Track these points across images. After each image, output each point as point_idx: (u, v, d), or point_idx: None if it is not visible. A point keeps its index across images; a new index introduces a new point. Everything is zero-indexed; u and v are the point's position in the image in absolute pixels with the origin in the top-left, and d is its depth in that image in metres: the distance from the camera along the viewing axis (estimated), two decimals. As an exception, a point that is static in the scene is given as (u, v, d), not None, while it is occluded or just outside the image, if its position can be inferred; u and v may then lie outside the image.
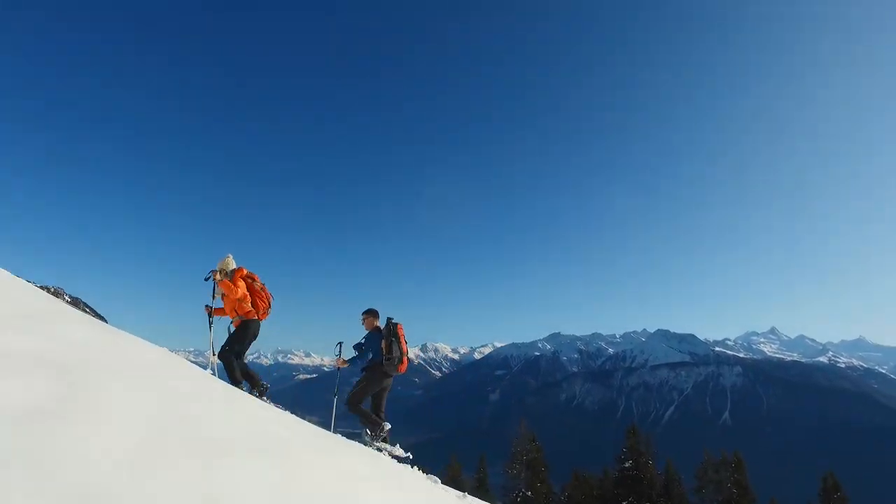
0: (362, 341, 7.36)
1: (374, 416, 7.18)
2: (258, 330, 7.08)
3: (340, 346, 7.84)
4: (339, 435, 6.26)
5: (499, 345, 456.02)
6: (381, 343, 7.17)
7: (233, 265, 7.06)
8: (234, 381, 6.61)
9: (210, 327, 7.16)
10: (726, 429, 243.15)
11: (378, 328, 7.37)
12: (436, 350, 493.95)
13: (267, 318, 7.24)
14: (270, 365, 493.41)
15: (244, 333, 6.88)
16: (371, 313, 7.53)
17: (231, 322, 7.03)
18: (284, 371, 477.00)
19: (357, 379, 7.37)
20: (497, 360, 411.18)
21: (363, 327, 7.53)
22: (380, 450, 6.94)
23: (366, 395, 7.22)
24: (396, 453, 7.04)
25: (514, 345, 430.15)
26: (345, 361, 7.55)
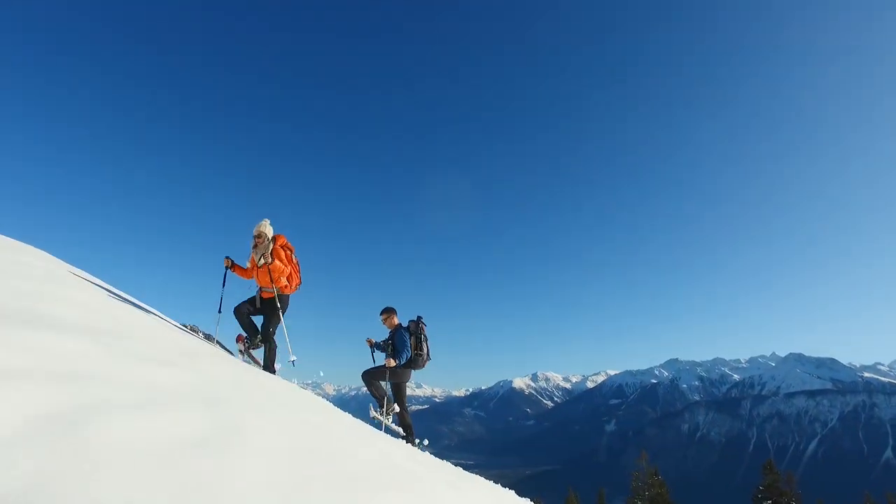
0: (391, 340, 7.52)
1: (386, 393, 7.42)
2: (288, 304, 6.60)
3: (373, 349, 7.81)
4: (456, 466, 6.15)
5: (612, 372, 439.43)
6: (410, 340, 7.47)
7: (271, 231, 6.45)
8: (272, 368, 6.38)
9: (224, 284, 6.56)
10: (890, 469, 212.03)
11: (401, 326, 7.59)
12: (546, 379, 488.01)
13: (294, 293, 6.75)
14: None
15: (281, 311, 6.41)
16: (393, 311, 7.67)
17: (259, 291, 6.47)
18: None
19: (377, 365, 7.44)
20: (611, 389, 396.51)
21: (384, 326, 7.69)
22: (398, 436, 7.28)
23: (384, 378, 7.32)
24: (398, 429, 7.41)
25: (628, 372, 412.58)
26: (394, 362, 7.52)
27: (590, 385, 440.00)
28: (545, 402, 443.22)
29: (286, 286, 6.41)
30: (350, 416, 5.71)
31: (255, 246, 6.34)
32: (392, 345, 7.39)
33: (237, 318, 6.44)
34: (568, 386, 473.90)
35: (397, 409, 7.43)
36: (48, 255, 7.26)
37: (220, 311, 6.58)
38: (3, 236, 7.34)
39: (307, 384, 7.59)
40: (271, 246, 6.29)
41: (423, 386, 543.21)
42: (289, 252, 6.46)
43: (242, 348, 6.63)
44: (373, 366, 7.42)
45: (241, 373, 4.56)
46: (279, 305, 6.35)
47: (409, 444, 6.85)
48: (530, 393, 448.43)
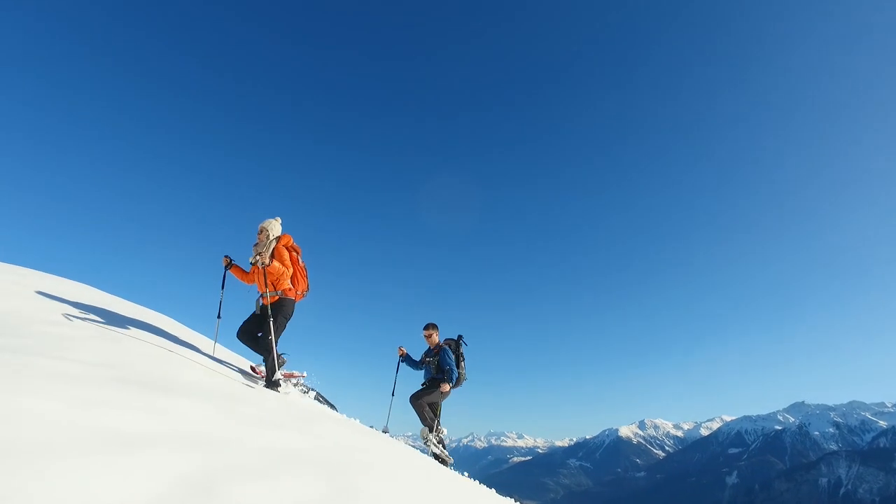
0: (434, 359, 7.30)
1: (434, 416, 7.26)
2: (293, 312, 5.81)
3: (402, 360, 7.72)
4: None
5: (728, 418, 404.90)
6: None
7: (278, 230, 5.80)
8: (274, 383, 5.46)
9: (223, 286, 5.87)
10: None
11: (445, 344, 7.43)
12: (655, 427, 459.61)
13: (299, 300, 5.96)
14: (484, 448, 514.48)
15: (285, 316, 5.68)
16: (437, 328, 7.52)
17: (260, 297, 5.68)
18: (498, 454, 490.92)
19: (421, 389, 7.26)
20: (728, 437, 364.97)
21: (425, 342, 7.53)
22: (437, 456, 7.17)
23: (430, 400, 7.21)
24: (447, 458, 7.31)
25: (746, 418, 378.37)
26: (405, 352, 7.67)
27: (704, 432, 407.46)
28: (655, 451, 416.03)
29: (290, 289, 5.65)
30: (460, 473, 5.78)
31: (256, 244, 5.68)
32: (439, 366, 7.17)
33: (244, 342, 5.63)
34: (679, 434, 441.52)
35: (445, 431, 7.33)
36: (167, 318, 7.74)
37: (219, 317, 5.86)
38: (131, 303, 7.63)
39: (408, 436, 6.50)
40: (272, 245, 5.60)
41: (524, 436, 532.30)
42: (295, 254, 5.81)
43: (279, 377, 5.45)
44: (420, 388, 7.26)
45: (351, 433, 4.67)
46: (281, 311, 5.56)
47: (432, 443, 7.02)
48: (639, 442, 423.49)
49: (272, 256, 5.62)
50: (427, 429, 7.24)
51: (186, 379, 3.98)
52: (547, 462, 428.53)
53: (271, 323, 5.48)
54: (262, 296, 5.69)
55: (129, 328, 5.38)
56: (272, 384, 5.44)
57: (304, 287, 5.98)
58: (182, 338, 6.09)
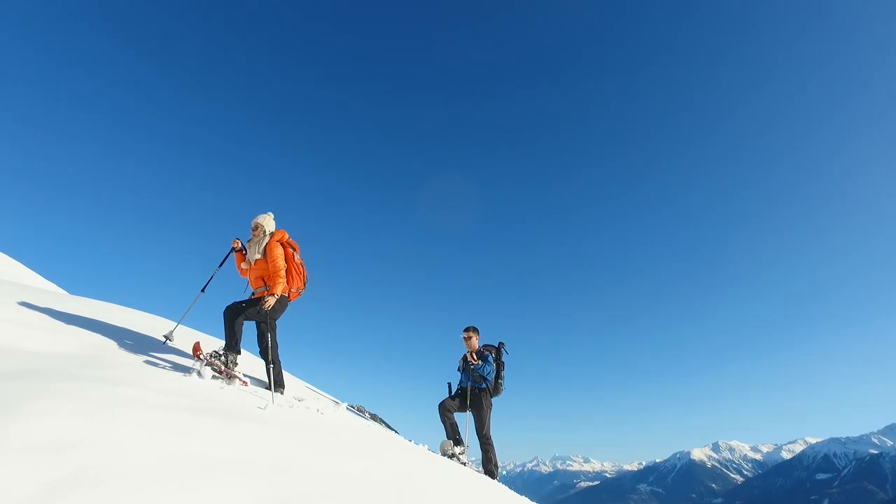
0: (478, 365, 6.85)
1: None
2: (285, 309, 5.58)
3: (451, 387, 7.16)
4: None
5: (812, 440, 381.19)
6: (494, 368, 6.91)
7: (272, 226, 5.65)
8: (281, 386, 5.42)
9: (221, 264, 5.70)
10: None
11: (486, 350, 7.07)
12: (731, 449, 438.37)
13: (295, 300, 5.75)
14: (550, 472, 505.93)
15: (274, 315, 5.43)
16: (478, 332, 7.14)
17: (252, 292, 5.52)
18: (565, 479, 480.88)
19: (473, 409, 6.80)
20: (815, 460, 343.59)
21: (464, 345, 7.09)
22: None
23: (481, 421, 6.75)
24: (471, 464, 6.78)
25: (835, 440, 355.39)
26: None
27: (786, 455, 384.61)
28: (733, 475, 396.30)
29: (282, 287, 5.39)
30: (518, 497, 5.60)
31: (251, 240, 5.57)
32: (479, 373, 6.75)
33: (226, 319, 5.25)
34: (758, 457, 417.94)
35: (463, 447, 6.74)
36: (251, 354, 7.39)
37: (203, 290, 5.68)
38: (196, 330, 7.62)
39: (471, 461, 6.47)
40: (265, 241, 5.46)
41: (591, 460, 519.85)
42: (290, 251, 5.61)
43: (211, 362, 4.93)
44: (449, 397, 6.85)
45: (422, 462, 4.69)
46: (275, 310, 5.34)
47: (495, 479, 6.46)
48: (713, 465, 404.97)
49: (264, 252, 5.44)
50: (450, 442, 6.67)
51: (255, 406, 4.18)
52: (616, 487, 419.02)
53: (266, 326, 5.32)
54: (254, 292, 5.49)
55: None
56: (277, 386, 5.24)
57: (300, 285, 5.69)
58: (247, 367, 6.19)
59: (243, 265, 5.71)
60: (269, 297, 5.27)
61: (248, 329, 5.48)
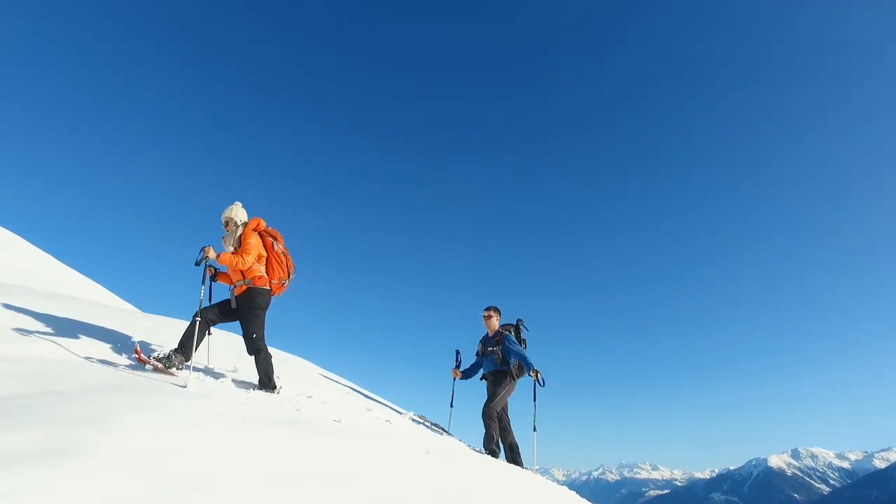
0: (497, 347, 6.48)
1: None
2: (269, 302, 5.20)
3: (458, 354, 6.90)
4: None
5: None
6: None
7: (243, 215, 5.28)
8: (271, 384, 4.97)
9: (202, 287, 5.04)
10: None
11: (506, 329, 6.72)
12: (813, 456, 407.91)
13: (282, 292, 5.39)
14: (617, 481, 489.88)
15: (258, 308, 5.04)
16: (499, 311, 6.81)
17: (232, 288, 5.12)
18: (633, 487, 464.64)
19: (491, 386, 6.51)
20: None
21: (485, 326, 6.77)
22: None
23: (501, 403, 6.42)
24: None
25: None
26: (460, 374, 6.80)
27: (879, 464, 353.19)
28: (817, 485, 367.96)
29: (260, 278, 5.07)
30: None
31: (224, 236, 5.22)
32: (503, 356, 6.39)
33: (190, 324, 4.84)
34: (846, 465, 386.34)
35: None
36: (298, 357, 8.29)
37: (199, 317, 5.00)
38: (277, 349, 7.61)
39: (536, 469, 6.12)
40: (239, 232, 5.12)
41: (659, 468, 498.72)
42: (269, 240, 5.25)
43: (151, 363, 4.59)
44: (492, 397, 6.34)
45: (493, 470, 4.75)
46: (251, 303, 4.99)
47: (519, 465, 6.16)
48: (794, 473, 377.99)
49: (238, 243, 5.06)
50: (496, 441, 6.26)
51: (325, 418, 4.30)
52: (688, 496, 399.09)
53: (248, 317, 4.94)
54: (234, 286, 5.08)
55: (277, 372, 5.41)
56: (267, 386, 4.89)
57: (282, 275, 5.28)
58: (315, 379, 6.59)
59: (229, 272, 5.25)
60: (211, 249, 4.82)
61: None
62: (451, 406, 7.19)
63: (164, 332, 6.21)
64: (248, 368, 5.58)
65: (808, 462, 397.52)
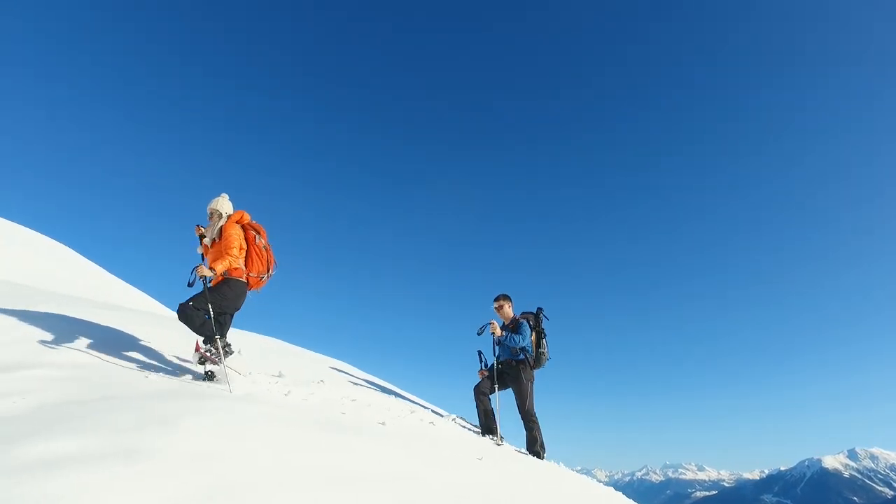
0: (504, 336, 6.24)
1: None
2: (243, 295, 5.08)
3: (482, 355, 6.58)
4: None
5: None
6: (532, 336, 6.35)
7: (228, 208, 5.23)
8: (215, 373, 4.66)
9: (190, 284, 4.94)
10: None
11: (522, 318, 6.46)
12: (873, 457, 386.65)
13: (258, 288, 5.28)
14: (661, 482, 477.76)
15: (222, 293, 4.89)
16: (510, 299, 6.56)
17: (209, 280, 4.93)
18: (678, 488, 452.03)
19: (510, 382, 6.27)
20: None
21: (498, 315, 6.51)
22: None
23: (522, 397, 6.16)
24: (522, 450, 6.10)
25: None
26: (487, 372, 6.38)
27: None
28: (879, 488, 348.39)
29: (237, 269, 4.96)
30: None
31: (208, 227, 5.18)
32: (511, 345, 6.21)
33: (185, 321, 4.72)
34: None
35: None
36: (341, 362, 8.42)
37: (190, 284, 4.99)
38: (304, 349, 8.50)
39: (577, 469, 6.21)
40: (221, 223, 5.08)
41: (705, 468, 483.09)
42: (252, 233, 5.18)
43: (207, 358, 4.76)
44: (485, 375, 6.23)
45: (533, 467, 4.83)
46: (227, 292, 4.88)
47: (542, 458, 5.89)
48: (851, 475, 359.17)
49: (219, 234, 5.05)
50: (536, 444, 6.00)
51: (371, 421, 4.41)
52: (737, 497, 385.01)
53: (206, 292, 4.76)
54: (210, 279, 4.93)
55: (321, 376, 6.06)
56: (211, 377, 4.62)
57: (261, 269, 5.18)
58: (358, 382, 6.72)
59: (204, 253, 5.19)
60: (203, 268, 4.73)
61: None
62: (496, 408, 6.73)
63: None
64: (292, 373, 5.70)
65: (868, 463, 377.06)
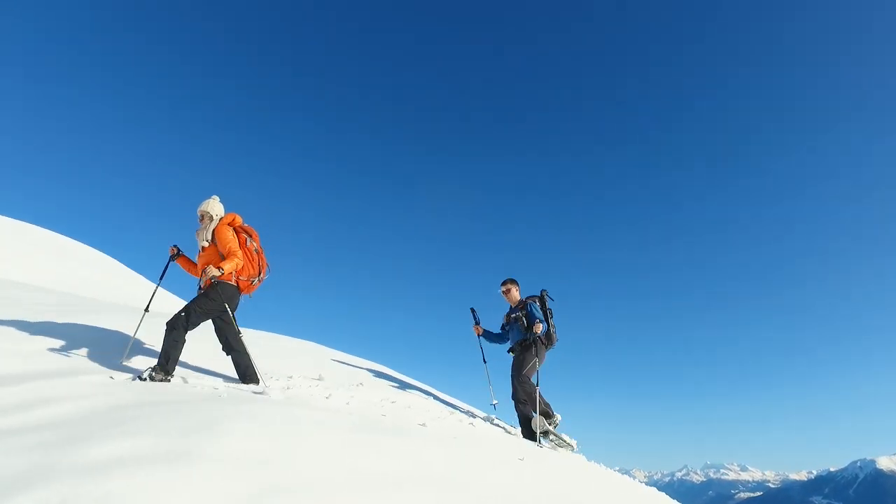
0: (521, 312, 6.29)
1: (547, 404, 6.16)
2: (235, 300, 4.98)
3: (474, 312, 6.67)
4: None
5: None
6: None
7: (219, 210, 5.14)
8: (165, 368, 4.41)
9: (162, 276, 5.16)
10: None
11: (529, 300, 6.49)
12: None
13: (250, 292, 5.19)
14: (703, 482, 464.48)
15: (211, 298, 4.76)
16: (516, 283, 6.66)
17: (200, 282, 4.96)
18: (720, 489, 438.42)
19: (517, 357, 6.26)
20: None
21: (505, 299, 6.60)
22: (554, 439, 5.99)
23: (529, 372, 6.11)
24: (570, 442, 6.04)
25: None
26: (482, 330, 6.64)
27: None
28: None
29: (227, 273, 4.83)
30: None
31: (199, 230, 5.09)
32: (524, 320, 6.19)
33: (166, 349, 4.48)
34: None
35: (559, 417, 6.08)
36: (382, 366, 8.42)
37: (147, 310, 5.12)
38: (346, 353, 8.54)
39: (615, 470, 5.87)
40: (213, 226, 5.00)
41: (748, 468, 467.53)
42: (243, 236, 5.10)
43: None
44: (518, 370, 6.07)
45: (577, 468, 4.81)
46: (215, 296, 4.74)
47: (552, 434, 5.82)
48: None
49: (212, 238, 4.96)
50: (541, 417, 5.84)
51: (411, 422, 4.43)
52: (784, 499, 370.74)
53: (195, 298, 4.71)
54: (201, 280, 4.93)
55: (360, 379, 6.18)
56: (159, 367, 4.37)
57: (251, 272, 5.08)
58: (396, 384, 6.72)
59: (196, 262, 5.14)
60: (212, 268, 4.68)
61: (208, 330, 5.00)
62: (485, 362, 6.81)
63: (250, 344, 6.61)
64: (330, 376, 5.79)
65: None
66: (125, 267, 19.16)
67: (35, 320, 5.28)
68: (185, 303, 4.78)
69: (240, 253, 4.88)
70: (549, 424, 5.91)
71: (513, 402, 6.13)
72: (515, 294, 6.53)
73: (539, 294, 6.53)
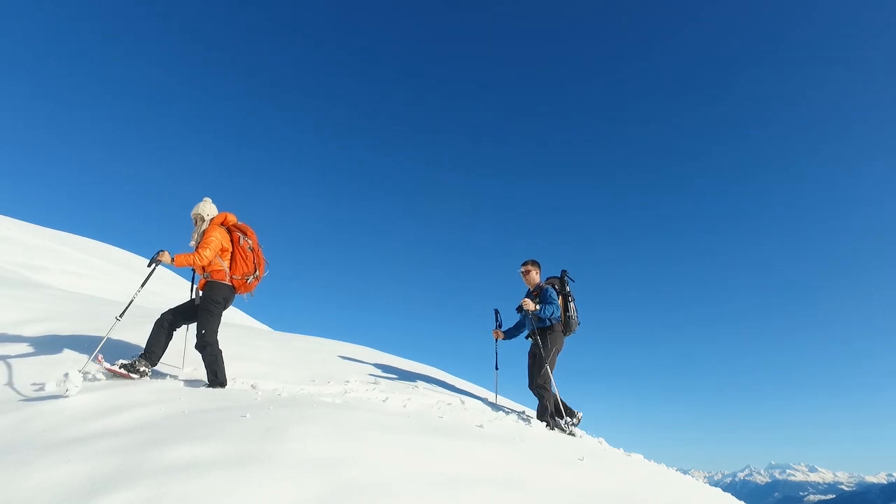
0: (537, 298, 5.99)
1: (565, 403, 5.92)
2: (229, 298, 5.01)
3: (498, 314, 6.45)
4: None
5: None
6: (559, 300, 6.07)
7: (211, 210, 5.15)
8: (219, 381, 4.60)
9: (143, 284, 4.93)
10: None
11: (548, 283, 6.19)
12: None
13: (249, 291, 5.20)
14: (767, 483, 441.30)
15: (213, 303, 4.81)
16: (537, 265, 6.35)
17: (196, 284, 5.06)
18: (787, 491, 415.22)
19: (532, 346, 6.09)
20: None
21: (524, 281, 6.34)
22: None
23: (553, 363, 5.89)
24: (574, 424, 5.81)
25: None
26: (502, 335, 6.39)
27: None
28: None
29: (219, 272, 4.89)
30: None
31: (194, 232, 5.11)
32: (537, 316, 5.92)
33: (152, 330, 4.77)
34: None
35: (580, 414, 5.90)
36: (435, 368, 8.47)
37: (119, 318, 4.82)
38: (401, 358, 8.67)
39: (674, 469, 5.73)
40: (203, 227, 5.02)
41: (818, 469, 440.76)
42: (237, 234, 5.10)
43: (108, 368, 4.48)
44: (541, 363, 5.83)
45: (636, 467, 4.69)
46: (211, 296, 4.79)
47: (556, 428, 5.63)
48: None
49: (201, 238, 4.95)
50: (559, 415, 5.80)
51: (469, 423, 4.47)
52: (860, 503, 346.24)
53: (201, 311, 4.76)
54: (195, 282, 5.06)
55: (414, 382, 6.17)
56: (214, 383, 4.57)
57: (245, 270, 5.06)
58: (449, 386, 6.72)
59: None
60: (165, 253, 4.65)
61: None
62: (497, 369, 6.60)
63: (297, 349, 6.81)
64: (385, 379, 5.88)
65: None
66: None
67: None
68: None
69: (205, 253, 4.76)
70: (573, 421, 5.77)
71: (531, 391, 6.01)
72: (535, 276, 6.28)
73: (559, 276, 6.27)
